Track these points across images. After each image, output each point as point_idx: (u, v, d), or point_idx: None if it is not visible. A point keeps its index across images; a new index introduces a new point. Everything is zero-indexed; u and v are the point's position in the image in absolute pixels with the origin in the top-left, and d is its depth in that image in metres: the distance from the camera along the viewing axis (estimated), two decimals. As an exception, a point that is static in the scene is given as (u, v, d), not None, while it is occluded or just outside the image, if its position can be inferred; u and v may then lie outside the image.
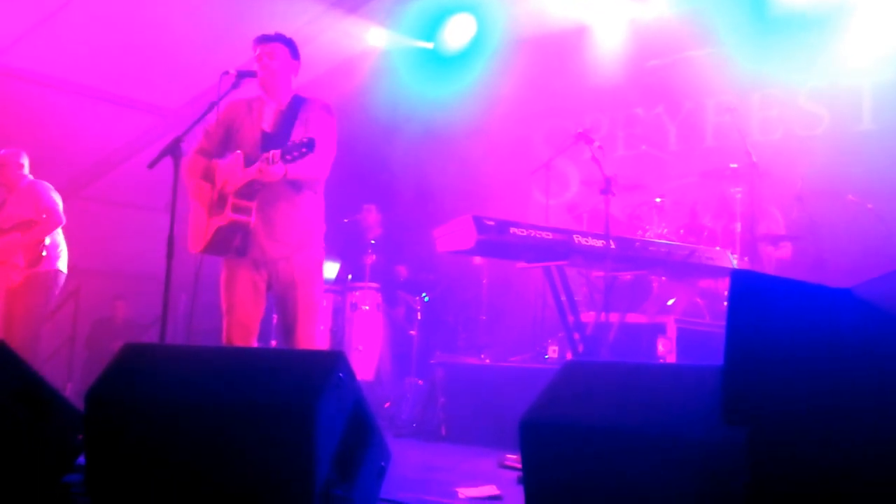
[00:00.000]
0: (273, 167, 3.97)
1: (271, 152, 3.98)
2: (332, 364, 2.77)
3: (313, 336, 4.24)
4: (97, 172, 9.83)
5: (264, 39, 4.35)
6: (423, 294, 7.31)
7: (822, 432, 1.97)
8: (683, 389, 2.40)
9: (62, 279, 6.32)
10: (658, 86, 7.86)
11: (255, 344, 4.30)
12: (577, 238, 5.11)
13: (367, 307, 7.02)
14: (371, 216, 7.81)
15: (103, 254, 9.74)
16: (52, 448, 3.36)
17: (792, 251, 6.51)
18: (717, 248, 6.07)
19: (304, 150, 3.89)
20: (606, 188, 5.14)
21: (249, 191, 4.11)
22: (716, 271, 5.69)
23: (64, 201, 9.54)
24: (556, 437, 2.52)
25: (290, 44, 4.40)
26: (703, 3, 7.42)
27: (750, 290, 2.08)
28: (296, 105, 4.32)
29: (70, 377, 8.64)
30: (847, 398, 1.98)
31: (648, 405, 2.42)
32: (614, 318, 5.60)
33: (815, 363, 2.04)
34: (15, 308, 6.14)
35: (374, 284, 7.14)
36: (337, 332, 7.03)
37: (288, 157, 3.92)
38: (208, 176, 4.26)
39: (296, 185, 4.20)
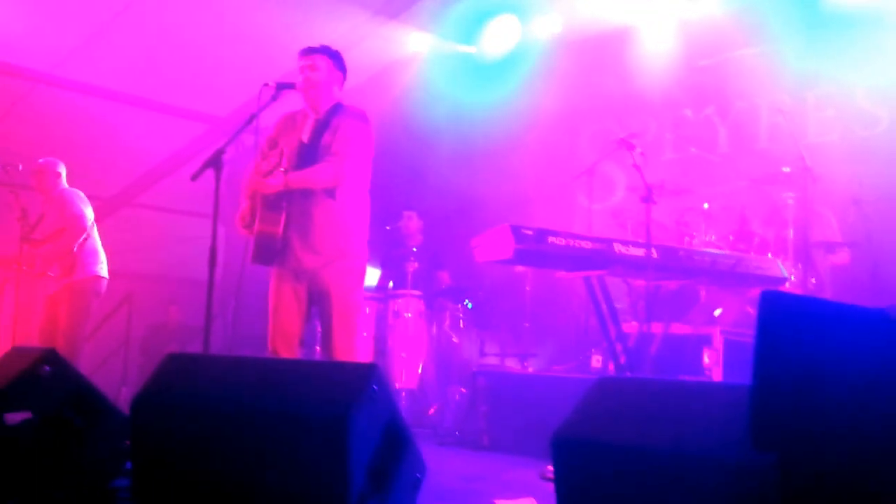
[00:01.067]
0: (268, 179, 4.09)
1: (261, 164, 4.11)
2: (366, 376, 2.78)
3: (351, 345, 4.28)
4: (151, 180, 10.05)
5: (308, 51, 4.42)
6: (466, 301, 7.28)
7: (853, 459, 1.92)
8: (719, 409, 2.35)
9: (103, 284, 6.39)
10: (708, 86, 7.68)
11: (297, 350, 4.34)
12: (617, 247, 5.02)
13: (410, 314, 7.00)
14: (412, 223, 7.80)
15: (157, 259, 9.94)
16: (101, 453, 3.45)
17: (848, 258, 6.32)
18: (769, 256, 5.92)
19: (277, 162, 3.99)
20: (648, 196, 5.05)
21: (269, 202, 4.19)
22: (765, 281, 5.51)
23: (119, 208, 9.76)
24: (588, 454, 2.50)
25: (334, 55, 4.45)
26: (754, 1, 7.23)
27: (780, 311, 2.01)
28: (332, 114, 4.37)
29: (125, 381, 8.79)
30: (880, 423, 1.93)
31: (683, 424, 2.39)
32: (658, 328, 5.49)
33: (847, 387, 1.99)
34: (56, 317, 6.26)
35: (416, 292, 7.11)
36: (380, 339, 7.03)
37: (280, 167, 4.01)
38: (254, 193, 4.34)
39: (325, 193, 4.23)
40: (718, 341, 5.44)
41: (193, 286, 9.34)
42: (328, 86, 4.39)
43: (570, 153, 8.18)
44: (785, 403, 1.98)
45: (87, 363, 8.80)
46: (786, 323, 2.02)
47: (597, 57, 8.16)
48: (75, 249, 6.25)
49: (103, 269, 6.40)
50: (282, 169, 4.15)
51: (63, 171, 6.50)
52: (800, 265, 5.91)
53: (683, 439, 2.31)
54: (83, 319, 6.31)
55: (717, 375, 5.41)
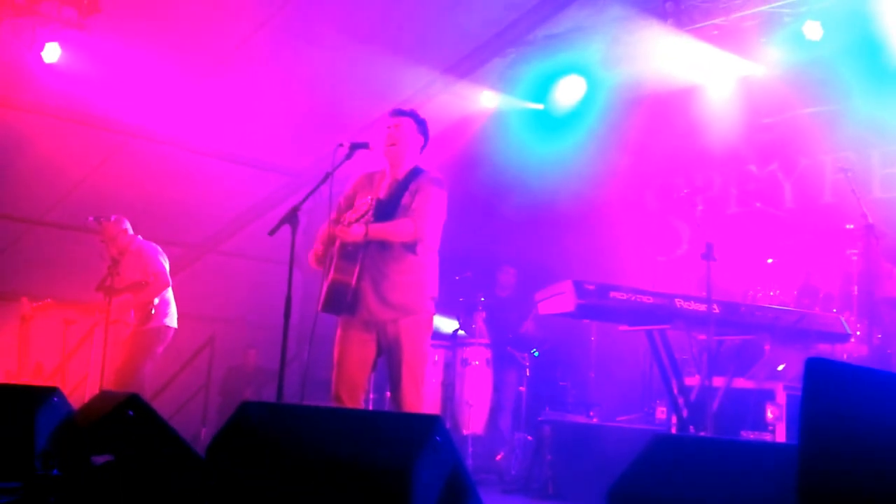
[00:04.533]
0: (351, 228, 4.22)
1: (347, 214, 4.26)
2: (429, 427, 2.84)
3: (419, 395, 4.37)
4: (235, 228, 10.36)
5: (396, 113, 4.62)
6: (533, 350, 7.40)
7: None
8: (772, 469, 2.40)
9: (170, 334, 6.75)
10: (772, 143, 7.74)
11: (361, 398, 4.45)
12: (678, 301, 5.06)
13: (478, 363, 7.15)
14: (509, 277, 8.00)
15: (238, 304, 10.25)
16: (178, 496, 3.61)
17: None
18: (834, 311, 5.90)
19: (365, 212, 4.16)
20: (708, 253, 5.10)
21: (345, 252, 4.34)
22: (828, 337, 5.51)
23: (204, 255, 10.13)
24: (642, 512, 2.53)
25: (420, 121, 4.63)
26: (817, 59, 7.26)
27: (826, 378, 2.03)
28: (411, 176, 4.52)
29: (205, 422, 9.02)
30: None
31: (736, 483, 2.42)
32: (720, 382, 5.49)
33: (892, 454, 2.01)
34: (119, 359, 6.63)
35: (483, 340, 7.27)
36: (448, 386, 7.19)
37: (363, 218, 4.17)
38: (331, 241, 4.49)
39: (406, 248, 4.37)
40: (781, 396, 5.43)
41: (272, 330, 9.62)
42: (409, 147, 4.56)
43: (636, 207, 8.26)
44: (830, 469, 1.99)
45: (171, 403, 9.18)
46: (831, 390, 2.03)
47: (663, 114, 8.27)
48: (156, 302, 6.65)
49: (173, 320, 6.77)
50: (365, 220, 4.26)
51: (128, 225, 6.91)
52: (865, 321, 5.87)
53: (736, 498, 2.35)
54: (143, 364, 6.63)
55: (780, 431, 5.40)
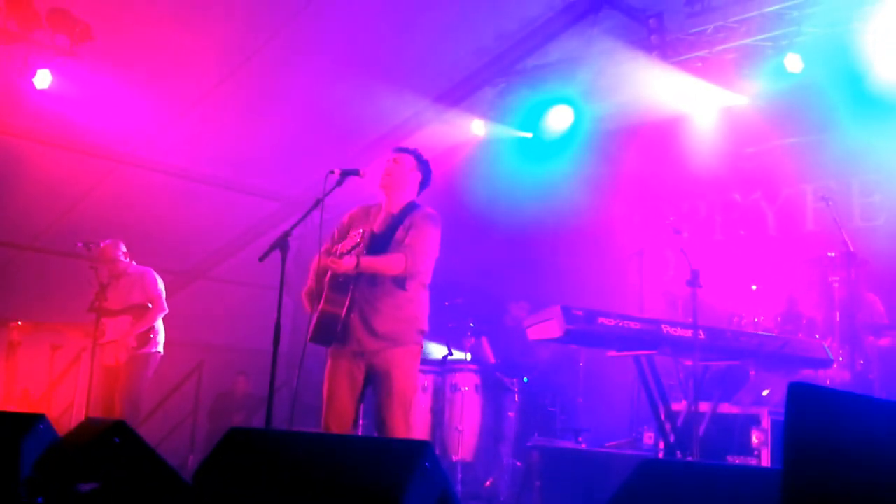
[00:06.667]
0: (342, 259, 4.25)
1: (339, 245, 4.30)
2: (418, 453, 2.86)
3: (407, 426, 4.41)
4: (225, 254, 10.42)
5: (398, 150, 4.71)
6: (523, 376, 7.44)
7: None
8: (760, 493, 2.42)
9: (159, 359, 6.83)
10: (755, 172, 7.89)
11: (350, 430, 4.49)
12: (665, 327, 5.11)
13: (467, 388, 7.19)
14: (521, 311, 8.03)
15: (228, 330, 10.26)
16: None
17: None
18: (817, 337, 5.97)
19: (356, 243, 4.21)
20: (693, 280, 5.17)
21: (336, 283, 4.39)
22: (811, 363, 5.58)
23: (194, 281, 10.16)
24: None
25: (420, 160, 4.72)
26: (798, 91, 7.40)
27: (809, 404, 2.04)
28: (406, 211, 4.59)
29: (192, 449, 9.00)
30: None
31: None
32: (706, 407, 5.55)
33: (877, 481, 2.01)
34: (118, 385, 6.64)
35: (472, 366, 7.31)
36: (437, 412, 7.22)
37: (355, 250, 4.22)
38: (323, 273, 4.53)
39: (395, 282, 4.42)
40: (766, 421, 5.48)
41: (262, 356, 9.61)
42: (406, 182, 4.64)
43: (623, 233, 8.36)
44: (813, 493, 2.00)
45: (159, 429, 9.17)
46: (814, 415, 2.05)
47: (649, 143, 8.40)
48: (156, 326, 6.71)
49: (161, 346, 6.83)
50: (356, 252, 4.30)
51: (123, 248, 6.98)
52: (847, 347, 5.95)
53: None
54: (144, 388, 6.69)
55: (765, 455, 5.45)
